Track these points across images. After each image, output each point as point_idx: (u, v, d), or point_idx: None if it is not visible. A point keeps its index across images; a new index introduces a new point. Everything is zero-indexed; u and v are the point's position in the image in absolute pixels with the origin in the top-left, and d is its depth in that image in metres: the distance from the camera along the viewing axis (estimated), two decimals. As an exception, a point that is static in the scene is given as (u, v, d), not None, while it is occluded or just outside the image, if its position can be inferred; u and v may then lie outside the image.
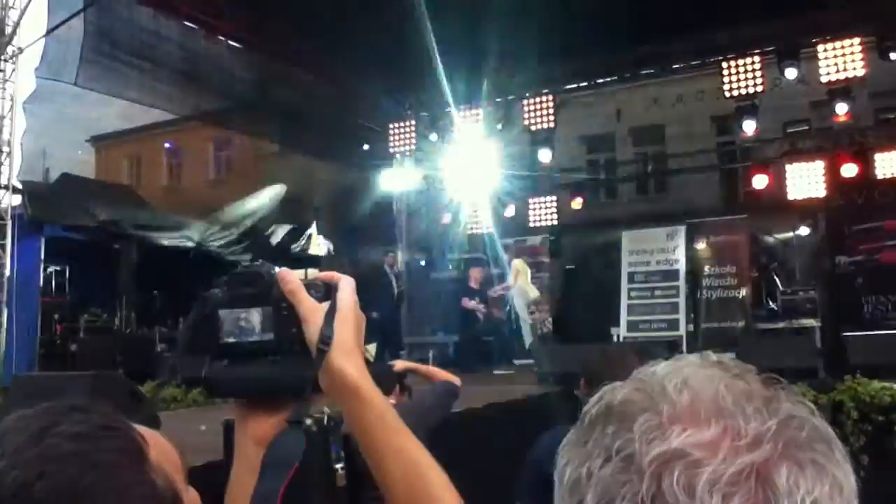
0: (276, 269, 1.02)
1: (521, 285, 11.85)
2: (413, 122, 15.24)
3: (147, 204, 16.86)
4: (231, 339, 0.99)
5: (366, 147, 15.13)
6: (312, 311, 0.98)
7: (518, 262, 12.07)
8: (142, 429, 0.75)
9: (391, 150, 15.38)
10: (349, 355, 0.97)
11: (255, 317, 0.99)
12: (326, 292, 1.01)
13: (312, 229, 15.72)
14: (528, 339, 11.83)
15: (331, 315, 0.98)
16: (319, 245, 15.74)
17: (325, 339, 0.96)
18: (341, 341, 0.96)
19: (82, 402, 0.73)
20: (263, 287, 0.99)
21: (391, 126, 15.22)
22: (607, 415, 0.63)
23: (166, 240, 13.67)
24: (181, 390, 8.89)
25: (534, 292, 12.12)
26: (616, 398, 0.63)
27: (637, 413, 0.60)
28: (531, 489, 3.18)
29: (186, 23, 11.82)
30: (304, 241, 16.41)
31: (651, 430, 0.58)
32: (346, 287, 1.01)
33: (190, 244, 13.76)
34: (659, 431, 0.58)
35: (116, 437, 0.70)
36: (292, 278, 1.00)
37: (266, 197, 15.56)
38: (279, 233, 15.16)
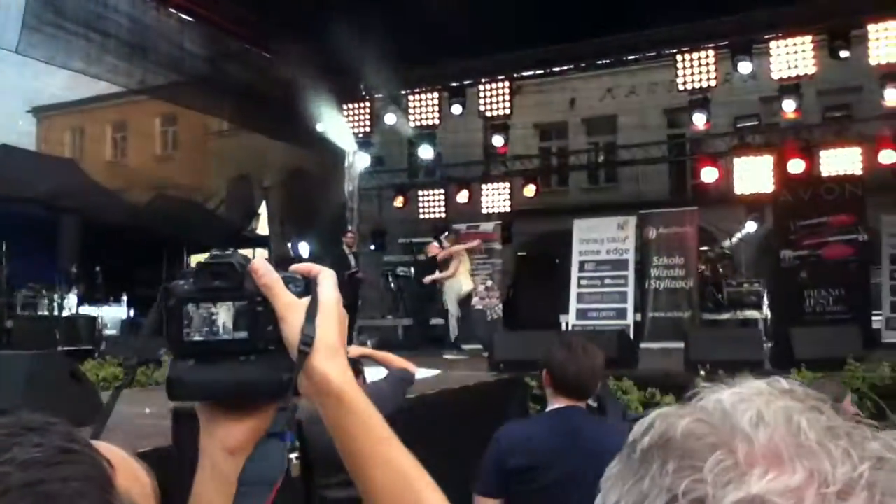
0: (251, 259, 0.93)
1: (459, 277, 11.57)
2: (368, 104, 15.08)
3: (91, 178, 16.34)
4: (198, 337, 0.90)
5: (319, 127, 14.89)
6: (291, 308, 0.90)
7: (457, 260, 11.68)
8: (106, 448, 0.65)
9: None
10: (333, 357, 0.89)
11: (225, 313, 0.90)
12: (306, 287, 0.93)
13: (262, 209, 15.46)
14: (453, 334, 11.60)
15: (312, 312, 0.89)
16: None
17: (307, 339, 0.87)
18: (324, 341, 0.88)
19: (37, 418, 0.62)
20: (235, 280, 0.90)
21: (346, 107, 15.04)
22: (666, 449, 0.54)
23: (112, 217, 13.31)
24: (122, 370, 8.63)
25: (468, 285, 11.79)
26: (676, 429, 0.55)
27: (706, 450, 0.53)
28: (490, 483, 3.14)
29: (136, -7, 11.48)
30: (253, 221, 16.20)
31: (726, 471, 0.51)
32: (328, 281, 0.94)
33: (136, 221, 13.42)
34: (735, 473, 0.51)
35: (78, 463, 0.60)
36: (268, 270, 0.91)
37: None
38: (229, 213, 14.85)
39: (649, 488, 0.54)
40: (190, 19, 12.32)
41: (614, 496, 0.57)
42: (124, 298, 12.94)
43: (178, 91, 13.68)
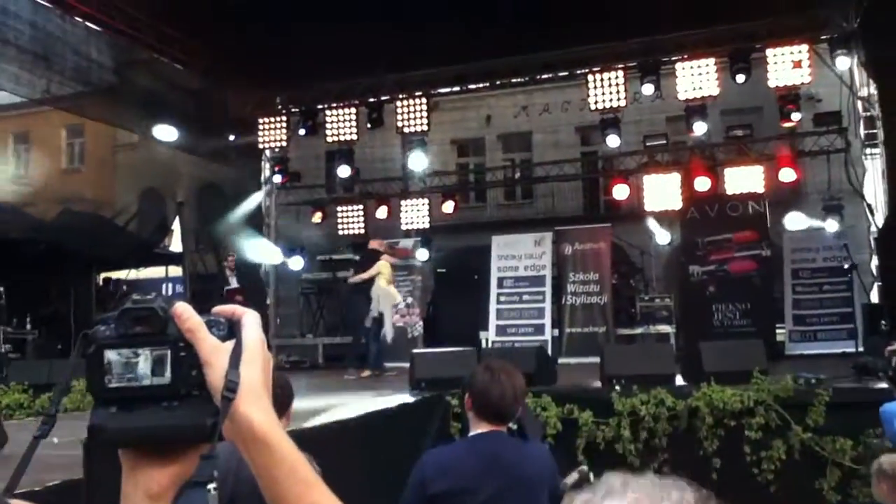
0: (173, 303, 0.92)
1: (385, 287, 11.48)
2: (284, 118, 14.91)
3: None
4: (119, 384, 0.90)
5: (232, 139, 14.57)
6: (215, 352, 0.90)
7: (383, 264, 11.60)
8: None
9: (260, 146, 15.00)
10: (257, 401, 0.90)
11: (147, 359, 0.90)
12: (229, 330, 0.93)
13: (175, 225, 15.01)
14: (389, 335, 11.48)
15: (236, 356, 0.90)
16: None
17: (231, 384, 0.88)
18: (248, 385, 0.89)
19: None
20: (157, 325, 0.90)
21: (261, 121, 14.83)
22: None
23: (14, 233, 12.70)
24: (27, 396, 8.19)
25: (397, 296, 11.78)
26: None
27: None
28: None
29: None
30: (165, 237, 15.72)
31: None
32: (251, 323, 0.94)
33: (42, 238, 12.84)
34: None
35: None
36: (191, 315, 0.91)
37: None
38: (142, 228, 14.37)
39: None
40: (97, 28, 11.94)
41: None
42: (28, 319, 12.33)
43: (85, 101, 13.24)
